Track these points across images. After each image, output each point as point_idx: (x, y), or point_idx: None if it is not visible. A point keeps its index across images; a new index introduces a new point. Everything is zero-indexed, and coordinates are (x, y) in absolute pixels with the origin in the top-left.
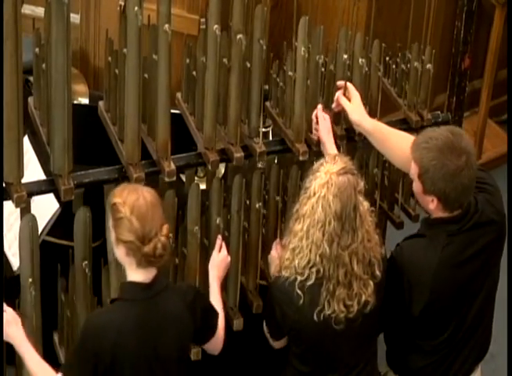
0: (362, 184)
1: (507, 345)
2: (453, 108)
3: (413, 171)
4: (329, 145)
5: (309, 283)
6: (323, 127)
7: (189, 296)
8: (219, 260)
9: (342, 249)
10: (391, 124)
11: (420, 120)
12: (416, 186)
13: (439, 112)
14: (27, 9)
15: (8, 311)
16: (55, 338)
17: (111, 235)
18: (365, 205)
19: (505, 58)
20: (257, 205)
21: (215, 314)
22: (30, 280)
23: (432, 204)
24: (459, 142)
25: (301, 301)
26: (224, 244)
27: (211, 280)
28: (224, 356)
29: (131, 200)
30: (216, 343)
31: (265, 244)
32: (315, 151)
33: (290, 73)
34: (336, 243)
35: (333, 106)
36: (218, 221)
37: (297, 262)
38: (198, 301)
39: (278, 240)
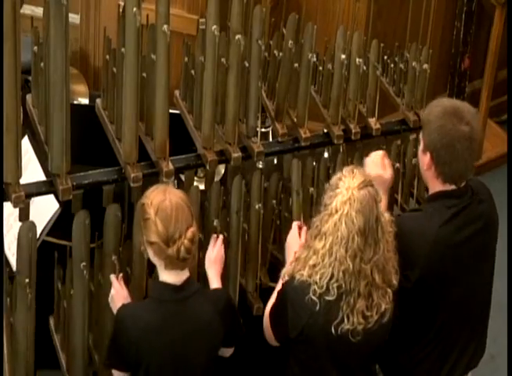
0: (380, 194)
1: (507, 346)
2: None
3: (421, 132)
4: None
5: (329, 298)
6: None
7: (221, 302)
8: (215, 255)
9: (365, 263)
10: (389, 124)
11: (418, 120)
12: (420, 148)
13: None
14: (26, 9)
15: (124, 289)
16: (51, 322)
17: (141, 235)
18: (386, 217)
19: (505, 58)
20: (256, 206)
21: (240, 322)
22: (27, 280)
23: (426, 165)
24: (464, 112)
25: (317, 308)
26: (219, 240)
27: (212, 278)
28: (221, 357)
29: (157, 202)
30: (230, 351)
31: (264, 245)
32: (313, 151)
33: (275, 51)
34: (359, 258)
35: None
36: (215, 223)
37: (318, 277)
38: (229, 308)
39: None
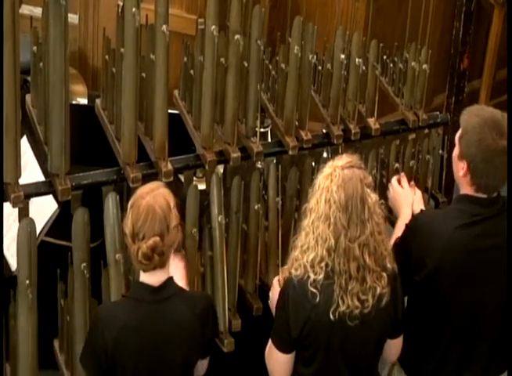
0: (369, 178)
1: (507, 349)
2: (452, 108)
3: (457, 134)
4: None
5: (320, 278)
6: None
7: (199, 306)
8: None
9: (350, 241)
10: (388, 124)
11: (417, 120)
12: (455, 151)
13: (438, 112)
14: (25, 9)
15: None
16: (56, 344)
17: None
18: (373, 197)
19: (504, 58)
20: (256, 206)
21: (217, 329)
22: (28, 281)
23: (462, 171)
24: (505, 126)
25: (317, 299)
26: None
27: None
28: (221, 358)
29: (136, 197)
30: (205, 363)
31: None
32: (312, 151)
33: (283, 65)
34: (343, 235)
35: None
36: (219, 219)
37: (305, 259)
38: (211, 314)
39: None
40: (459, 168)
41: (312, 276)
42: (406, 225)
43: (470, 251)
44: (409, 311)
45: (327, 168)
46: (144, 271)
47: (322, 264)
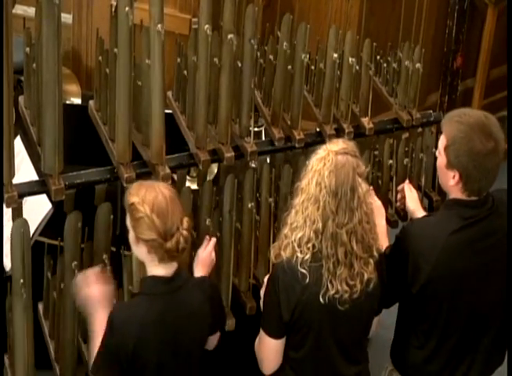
0: (363, 167)
1: (507, 347)
2: (445, 107)
3: (441, 143)
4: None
5: (307, 258)
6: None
7: (208, 288)
8: (203, 257)
9: (338, 227)
10: (382, 123)
11: (411, 119)
12: (440, 160)
13: (431, 111)
14: (19, 9)
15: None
16: (40, 309)
17: (130, 234)
18: (364, 187)
19: (498, 56)
20: (249, 205)
21: (224, 308)
22: (22, 281)
23: (453, 180)
24: (491, 126)
25: (307, 281)
26: (211, 242)
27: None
28: (216, 356)
29: (150, 198)
30: (216, 337)
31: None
32: (305, 149)
33: (271, 56)
34: (331, 220)
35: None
36: (207, 222)
37: (293, 237)
38: (215, 294)
39: None
40: (449, 178)
41: (300, 256)
42: (397, 237)
43: (466, 255)
44: (407, 316)
45: (321, 151)
46: (179, 260)
47: (309, 245)
